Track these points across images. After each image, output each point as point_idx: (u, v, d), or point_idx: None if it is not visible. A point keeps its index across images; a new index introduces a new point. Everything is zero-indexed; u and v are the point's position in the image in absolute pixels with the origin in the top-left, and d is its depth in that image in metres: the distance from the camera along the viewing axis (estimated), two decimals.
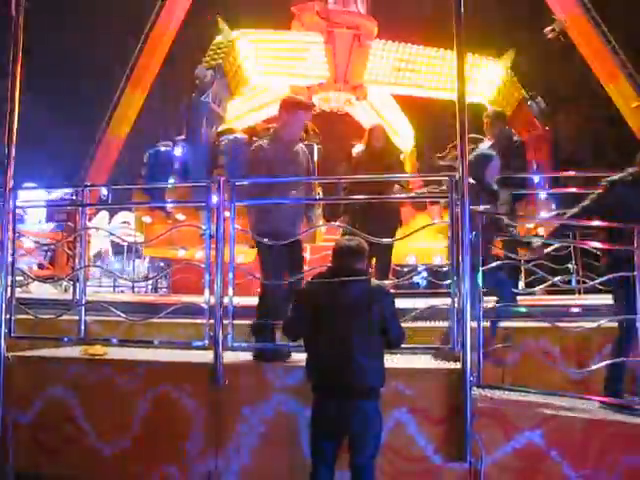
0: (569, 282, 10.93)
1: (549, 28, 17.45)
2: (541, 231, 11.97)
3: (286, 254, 6.40)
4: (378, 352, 4.96)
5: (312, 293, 5.09)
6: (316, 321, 4.95)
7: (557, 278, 8.85)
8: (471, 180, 5.89)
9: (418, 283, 15.00)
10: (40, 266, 16.86)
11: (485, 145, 9.15)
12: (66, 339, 7.28)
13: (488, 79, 13.80)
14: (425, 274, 14.53)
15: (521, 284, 11.12)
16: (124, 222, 19.13)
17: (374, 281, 5.19)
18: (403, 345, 5.26)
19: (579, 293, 11.29)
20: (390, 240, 6.98)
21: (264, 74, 13.08)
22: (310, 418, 5.00)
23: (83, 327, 7.44)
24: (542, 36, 17.51)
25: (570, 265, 11.98)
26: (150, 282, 19.11)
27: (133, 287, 17.81)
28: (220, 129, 11.52)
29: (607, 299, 7.00)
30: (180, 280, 12.27)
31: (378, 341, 4.95)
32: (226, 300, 6.07)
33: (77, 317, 7.49)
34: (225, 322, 6.07)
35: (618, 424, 5.49)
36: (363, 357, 4.80)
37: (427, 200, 9.91)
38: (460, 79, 6.00)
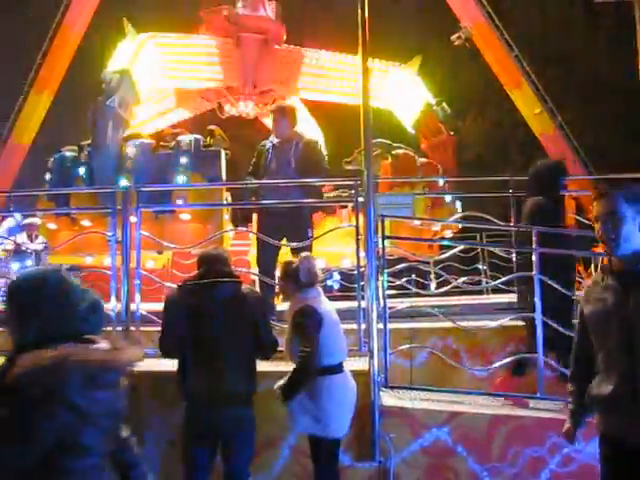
0: (478, 282, 11.20)
1: (455, 35, 17.87)
2: (448, 233, 12.30)
3: None
4: (250, 357, 4.93)
5: (181, 297, 4.99)
6: (186, 326, 4.85)
7: (463, 279, 9.15)
8: None
9: (332, 286, 15.11)
10: None
11: None
12: None
13: (395, 85, 13.99)
14: (337, 277, 14.71)
15: (433, 285, 11.35)
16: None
17: (246, 286, 5.18)
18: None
19: (487, 293, 11.62)
20: (301, 244, 6.96)
21: (171, 78, 12.95)
22: (183, 425, 4.90)
23: None
24: (449, 43, 17.92)
25: (479, 266, 12.34)
26: None
27: None
28: (126, 134, 11.35)
29: (511, 298, 7.23)
30: (89, 287, 11.99)
31: (250, 346, 4.90)
32: (133, 306, 6.00)
33: None
34: (133, 329, 6.00)
35: (518, 418, 5.67)
36: (233, 361, 4.76)
37: (336, 204, 9.98)
38: (364, 85, 6.11)
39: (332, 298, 6.39)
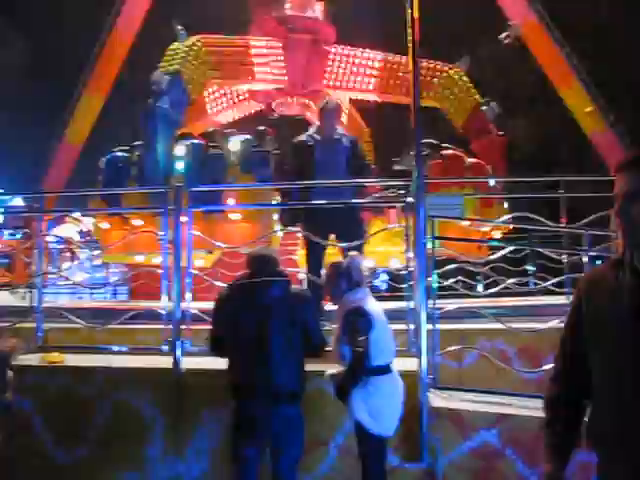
0: (526, 284, 11.11)
1: (505, 34, 17.76)
2: (497, 234, 12.21)
3: None
4: (299, 356, 4.94)
5: (231, 297, 5.03)
6: (236, 325, 4.90)
7: (513, 280, 9.08)
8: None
9: (379, 286, 15.10)
10: None
11: None
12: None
13: (443, 84, 13.94)
14: (385, 277, 14.70)
15: (480, 286, 11.29)
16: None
17: (296, 286, 5.20)
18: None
19: (536, 294, 11.49)
20: (354, 244, 6.89)
21: (221, 79, 13.09)
22: (232, 423, 4.91)
23: (41, 334, 7.38)
24: (498, 42, 17.81)
25: (528, 267, 12.22)
26: (109, 288, 18.97)
27: (92, 293, 17.68)
28: (177, 134, 11.51)
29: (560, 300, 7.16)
30: (140, 286, 12.23)
31: (299, 345, 4.90)
32: (184, 305, 6.09)
33: (35, 324, 7.43)
34: (183, 327, 6.09)
35: None
36: (283, 360, 4.78)
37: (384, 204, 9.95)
38: (414, 85, 6.10)
39: (380, 298, 6.42)
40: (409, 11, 6.07)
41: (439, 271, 6.37)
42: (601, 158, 17.66)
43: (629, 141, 17.07)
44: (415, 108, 6.00)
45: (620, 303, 2.43)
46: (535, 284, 11.24)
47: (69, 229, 18.51)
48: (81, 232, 17.17)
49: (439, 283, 7.95)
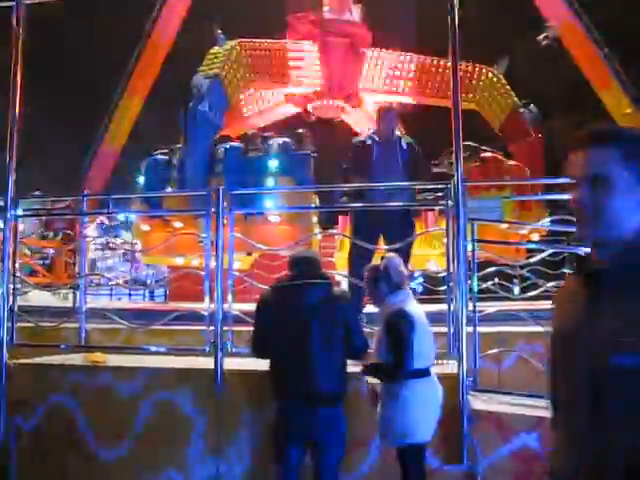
0: None
1: (543, 35, 17.67)
2: (535, 237, 12.14)
3: None
4: (340, 358, 4.97)
5: (273, 298, 5.09)
6: (278, 326, 4.95)
7: (551, 283, 8.99)
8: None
9: (415, 289, 15.06)
10: (34, 273, 16.93)
11: None
12: (65, 346, 7.33)
13: (481, 87, 13.88)
14: (421, 280, 14.67)
15: (517, 289, 11.23)
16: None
17: (338, 288, 5.24)
18: None
19: None
20: (402, 244, 6.87)
21: (260, 82, 13.19)
22: (274, 424, 5.00)
23: (84, 334, 7.52)
24: (536, 43, 17.72)
25: (565, 270, 12.11)
26: (147, 290, 19.18)
27: (130, 294, 17.89)
28: (217, 137, 11.63)
29: None
30: (177, 288, 12.36)
31: (340, 347, 4.94)
32: (226, 307, 6.17)
33: (77, 324, 7.57)
34: (226, 328, 6.17)
35: None
36: (325, 362, 4.82)
37: (423, 207, 9.97)
38: (455, 87, 6.13)
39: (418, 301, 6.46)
40: (450, 11, 6.10)
41: (479, 274, 6.35)
42: None
43: None
44: (455, 110, 6.02)
45: (570, 315, 2.07)
46: None
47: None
48: (101, 224, 17.24)
49: (478, 286, 7.94)
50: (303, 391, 4.83)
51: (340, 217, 11.13)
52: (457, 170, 5.88)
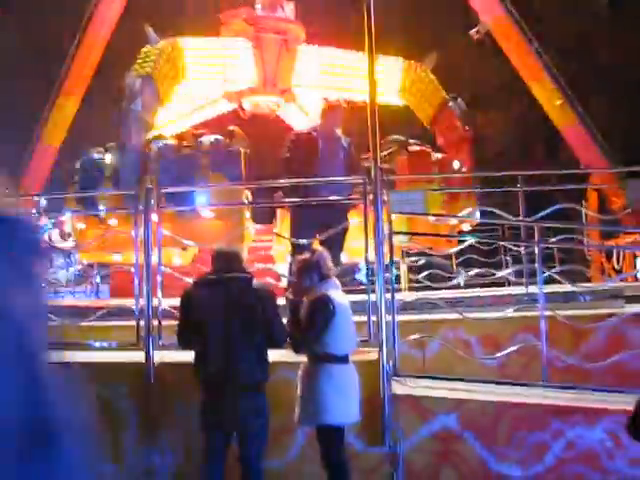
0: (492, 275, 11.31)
1: (474, 30, 18.01)
2: (466, 227, 12.49)
3: None
4: (261, 347, 5.21)
5: (196, 293, 5.31)
6: (201, 319, 5.17)
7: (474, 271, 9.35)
8: None
9: (360, 280, 15.28)
10: None
11: None
12: None
13: (410, 81, 14.12)
14: (365, 271, 14.89)
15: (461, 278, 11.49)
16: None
17: (257, 281, 5.48)
18: None
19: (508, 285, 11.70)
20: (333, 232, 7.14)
21: (194, 80, 13.27)
22: (200, 411, 5.23)
23: None
24: (468, 37, 18.06)
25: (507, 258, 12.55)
26: (90, 287, 19.05)
27: (74, 292, 17.78)
28: (150, 136, 11.71)
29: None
30: (119, 283, 12.40)
31: (261, 337, 5.18)
32: (155, 301, 6.33)
33: None
34: (155, 322, 6.34)
35: (522, 405, 5.89)
36: (246, 352, 5.07)
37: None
38: (371, 84, 6.36)
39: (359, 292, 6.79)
40: (365, 12, 6.33)
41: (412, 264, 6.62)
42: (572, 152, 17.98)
43: (600, 135, 17.36)
44: (371, 106, 6.25)
45: None
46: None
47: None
48: (62, 233, 17.24)
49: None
50: (226, 381, 5.04)
51: (278, 211, 11.33)
52: (375, 165, 6.12)
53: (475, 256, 12.47)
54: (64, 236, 12.69)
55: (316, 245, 6.86)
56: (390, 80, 13.62)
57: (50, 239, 12.02)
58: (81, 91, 17.65)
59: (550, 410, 5.76)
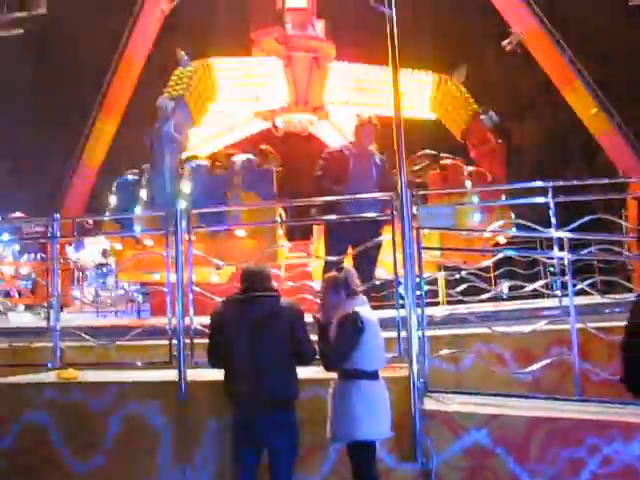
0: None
1: (507, 40, 18.01)
2: (501, 240, 12.37)
3: None
4: (290, 365, 5.29)
5: (225, 312, 5.41)
6: (230, 338, 5.26)
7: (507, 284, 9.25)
8: None
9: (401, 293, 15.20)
10: (19, 294, 17.18)
11: None
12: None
13: (441, 95, 14.07)
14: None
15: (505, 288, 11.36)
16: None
17: (285, 299, 5.52)
18: None
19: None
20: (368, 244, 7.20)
21: (226, 101, 13.41)
22: (231, 429, 5.34)
23: (58, 353, 7.71)
24: (501, 48, 18.06)
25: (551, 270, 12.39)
26: (131, 306, 19.28)
27: (116, 312, 18.03)
28: (183, 156, 11.88)
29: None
30: (159, 303, 12.56)
31: (290, 355, 5.27)
32: (187, 320, 6.43)
33: (52, 343, 7.77)
34: (187, 341, 6.44)
35: (556, 420, 5.82)
36: (275, 370, 5.15)
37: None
38: (396, 99, 6.38)
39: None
40: (388, 25, 6.37)
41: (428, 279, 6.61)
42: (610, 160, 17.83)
43: (637, 141, 17.18)
44: (397, 119, 6.28)
45: None
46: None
47: (92, 251, 18.94)
48: (104, 252, 17.55)
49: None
50: (255, 397, 5.11)
51: (315, 228, 11.44)
52: (401, 180, 6.13)
53: (514, 268, 12.39)
54: (105, 254, 12.93)
55: (346, 262, 6.93)
56: (421, 94, 13.62)
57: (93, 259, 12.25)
58: (120, 112, 18.00)
59: (585, 425, 5.67)
